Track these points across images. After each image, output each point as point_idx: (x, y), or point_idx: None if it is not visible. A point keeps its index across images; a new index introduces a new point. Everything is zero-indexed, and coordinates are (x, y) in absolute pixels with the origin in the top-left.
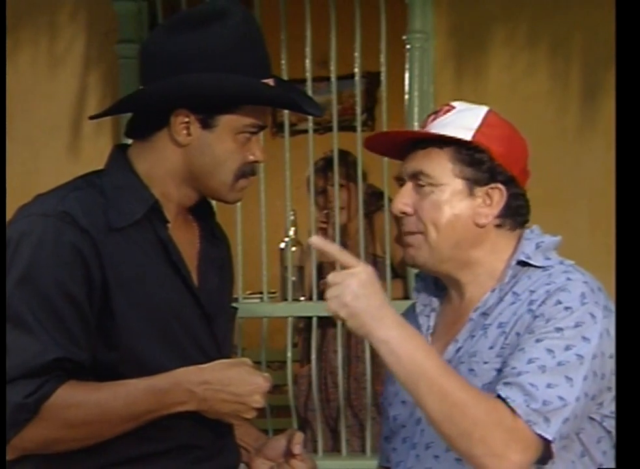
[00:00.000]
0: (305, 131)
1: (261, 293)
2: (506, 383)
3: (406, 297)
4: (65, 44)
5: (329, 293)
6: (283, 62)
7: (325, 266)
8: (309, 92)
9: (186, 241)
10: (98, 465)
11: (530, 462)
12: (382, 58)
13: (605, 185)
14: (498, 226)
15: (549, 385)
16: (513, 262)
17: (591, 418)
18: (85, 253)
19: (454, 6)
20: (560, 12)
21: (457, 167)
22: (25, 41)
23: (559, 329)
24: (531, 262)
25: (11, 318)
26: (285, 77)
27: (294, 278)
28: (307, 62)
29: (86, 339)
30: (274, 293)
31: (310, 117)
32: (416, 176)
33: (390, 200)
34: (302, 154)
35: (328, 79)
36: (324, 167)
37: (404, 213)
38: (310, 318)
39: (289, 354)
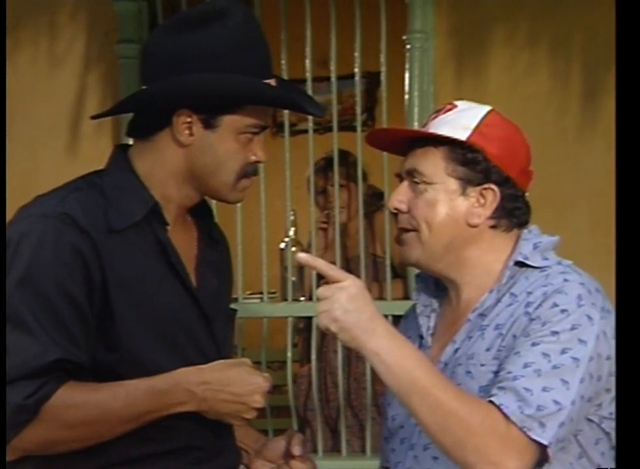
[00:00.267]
0: (306, 131)
1: (261, 293)
2: (501, 388)
3: (406, 297)
4: (65, 44)
5: (319, 308)
6: (283, 62)
7: None
8: (310, 92)
9: (185, 243)
10: (98, 465)
11: (527, 468)
12: (382, 58)
13: (605, 185)
14: (493, 227)
15: (544, 389)
16: (511, 263)
17: (589, 420)
18: (85, 254)
19: (454, 6)
20: (560, 12)
21: (450, 166)
22: (25, 41)
23: (555, 333)
24: (528, 262)
25: (11, 319)
26: (285, 77)
27: (294, 278)
28: (307, 62)
29: (86, 339)
30: (274, 293)
31: (310, 117)
32: (411, 174)
33: None
34: (302, 154)
35: (328, 79)
36: (324, 167)
37: (398, 209)
38: (310, 318)
39: (289, 354)
